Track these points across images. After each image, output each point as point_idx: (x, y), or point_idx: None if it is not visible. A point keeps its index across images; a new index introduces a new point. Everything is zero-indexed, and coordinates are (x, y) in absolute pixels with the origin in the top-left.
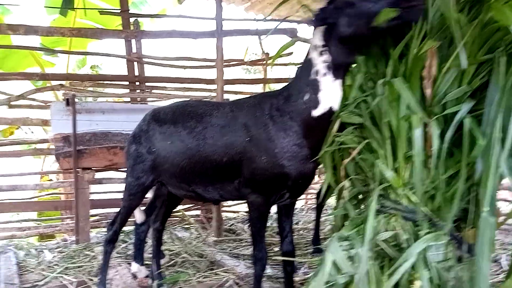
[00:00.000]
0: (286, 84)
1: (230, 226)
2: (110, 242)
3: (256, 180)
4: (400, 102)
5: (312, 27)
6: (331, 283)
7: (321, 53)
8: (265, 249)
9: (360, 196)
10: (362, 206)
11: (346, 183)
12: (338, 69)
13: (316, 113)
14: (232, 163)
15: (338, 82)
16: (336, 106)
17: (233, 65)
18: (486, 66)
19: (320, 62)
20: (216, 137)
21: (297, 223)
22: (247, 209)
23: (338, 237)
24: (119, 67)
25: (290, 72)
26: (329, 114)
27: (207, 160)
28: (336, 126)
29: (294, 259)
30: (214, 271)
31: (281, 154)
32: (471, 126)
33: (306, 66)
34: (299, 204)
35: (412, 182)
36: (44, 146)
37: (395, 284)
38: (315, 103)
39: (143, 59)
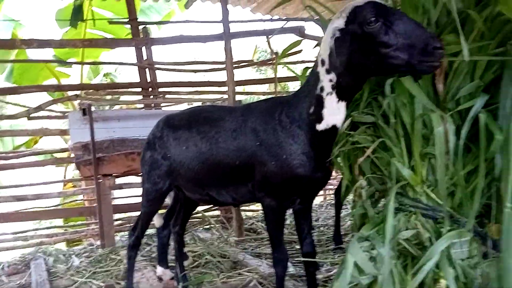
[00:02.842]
0: (297, 89)
1: (251, 225)
2: (133, 248)
3: (268, 183)
4: (414, 100)
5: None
6: (354, 283)
7: (328, 71)
8: (285, 250)
9: (377, 195)
10: (380, 205)
11: (362, 182)
12: (344, 91)
13: (319, 127)
14: (244, 167)
15: (343, 103)
16: (339, 124)
17: (243, 66)
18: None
19: (326, 80)
20: (228, 141)
21: (317, 220)
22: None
23: (358, 238)
24: (134, 74)
25: (300, 71)
26: (333, 131)
27: (220, 163)
28: (345, 124)
29: (316, 260)
30: (237, 271)
31: (290, 161)
32: (486, 121)
33: (314, 78)
34: (318, 200)
35: (430, 179)
36: (64, 155)
37: (420, 284)
38: (319, 118)
39: (155, 66)
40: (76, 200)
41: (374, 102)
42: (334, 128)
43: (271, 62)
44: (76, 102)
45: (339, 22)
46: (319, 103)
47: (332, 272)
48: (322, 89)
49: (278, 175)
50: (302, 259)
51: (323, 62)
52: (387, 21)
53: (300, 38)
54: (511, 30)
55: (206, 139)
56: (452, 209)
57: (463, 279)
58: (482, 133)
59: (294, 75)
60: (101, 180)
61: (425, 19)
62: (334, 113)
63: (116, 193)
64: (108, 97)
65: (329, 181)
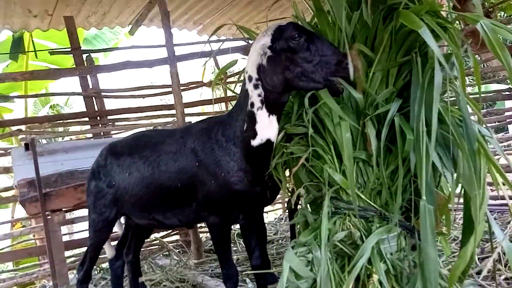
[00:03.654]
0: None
1: (210, 246)
2: (83, 283)
3: (210, 202)
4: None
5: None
6: None
7: (255, 86)
8: (235, 266)
9: (319, 201)
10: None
11: (301, 190)
12: (272, 105)
13: (254, 143)
14: (186, 187)
15: (274, 117)
16: (273, 138)
17: (192, 88)
18: (407, 66)
19: (255, 95)
20: (169, 163)
21: (275, 233)
22: None
23: (296, 244)
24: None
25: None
26: (268, 145)
27: (163, 186)
28: (279, 137)
29: (265, 271)
30: None
31: (228, 178)
32: (400, 123)
33: (243, 95)
34: (278, 213)
35: (360, 182)
36: (10, 194)
37: (357, 281)
38: (253, 134)
39: (101, 94)
40: (28, 240)
41: (304, 114)
42: (268, 142)
43: (217, 83)
44: (20, 137)
45: (266, 40)
46: (251, 119)
47: None
48: (252, 104)
49: (218, 193)
50: (253, 272)
51: (250, 78)
52: (308, 38)
53: (236, 58)
54: (414, 40)
55: (148, 164)
56: (381, 207)
57: (393, 271)
58: (398, 134)
59: None
60: (49, 217)
61: (341, 33)
62: (266, 127)
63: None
64: (61, 129)
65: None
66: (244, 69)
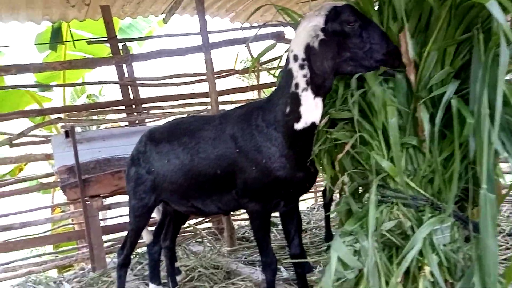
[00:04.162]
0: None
1: (243, 234)
2: (123, 267)
3: (251, 189)
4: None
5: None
6: (342, 280)
7: (301, 66)
8: (273, 254)
9: (361, 189)
10: (365, 199)
11: (345, 178)
12: (318, 87)
13: (298, 126)
14: (226, 174)
15: (319, 99)
16: (318, 121)
17: (225, 75)
18: (466, 44)
19: (300, 76)
20: (208, 150)
21: (309, 222)
22: None
23: (342, 233)
24: (118, 93)
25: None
26: (312, 129)
27: (202, 173)
28: (323, 122)
29: (303, 260)
30: (231, 281)
31: (269, 164)
32: (458, 106)
33: (287, 77)
34: (309, 202)
35: (410, 169)
36: (50, 180)
37: (406, 273)
38: (297, 117)
39: (136, 82)
40: (67, 225)
41: (350, 97)
42: (313, 125)
43: (253, 70)
44: (59, 125)
45: (318, 20)
46: (295, 101)
47: None
48: (297, 86)
49: (259, 180)
50: (291, 260)
51: (295, 58)
52: (363, 24)
53: (272, 44)
54: (476, 15)
55: (187, 150)
56: (432, 196)
57: (446, 264)
58: (455, 118)
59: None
60: (88, 202)
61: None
62: (312, 109)
63: (109, 213)
64: (95, 117)
65: (318, 183)
66: (288, 48)
